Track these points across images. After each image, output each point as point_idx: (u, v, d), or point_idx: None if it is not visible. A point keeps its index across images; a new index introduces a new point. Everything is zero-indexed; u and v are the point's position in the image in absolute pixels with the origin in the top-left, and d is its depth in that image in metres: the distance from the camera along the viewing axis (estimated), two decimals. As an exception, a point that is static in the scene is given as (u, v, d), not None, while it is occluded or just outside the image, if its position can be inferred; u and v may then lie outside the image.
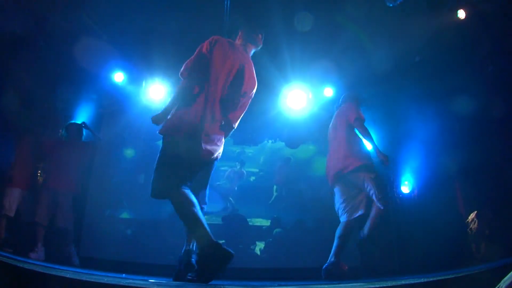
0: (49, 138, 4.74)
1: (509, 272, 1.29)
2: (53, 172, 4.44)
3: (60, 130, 4.83)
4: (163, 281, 2.62)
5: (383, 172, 5.68)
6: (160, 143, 2.54)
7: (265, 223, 6.19)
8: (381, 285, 2.09)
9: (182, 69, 2.54)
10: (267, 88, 5.54)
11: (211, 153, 2.45)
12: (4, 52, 4.26)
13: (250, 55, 2.83)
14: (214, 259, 2.12)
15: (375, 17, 4.56)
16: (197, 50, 2.56)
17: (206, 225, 2.22)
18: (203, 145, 2.37)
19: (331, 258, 3.41)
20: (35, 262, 2.44)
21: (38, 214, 4.20)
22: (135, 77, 5.57)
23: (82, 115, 5.29)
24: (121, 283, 1.77)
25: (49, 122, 5.12)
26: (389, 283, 2.09)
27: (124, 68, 5.48)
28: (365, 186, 3.50)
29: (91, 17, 4.63)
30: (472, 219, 4.26)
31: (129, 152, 5.76)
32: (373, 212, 3.52)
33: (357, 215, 3.55)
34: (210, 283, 2.11)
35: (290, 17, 4.64)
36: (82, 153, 4.70)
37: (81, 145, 4.73)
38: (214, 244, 2.15)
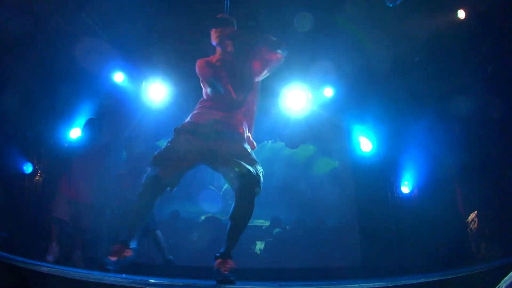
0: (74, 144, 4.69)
1: (509, 272, 1.29)
2: (74, 180, 4.29)
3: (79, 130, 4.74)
4: (163, 281, 2.63)
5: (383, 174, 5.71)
6: (160, 143, 2.58)
7: (265, 223, 6.20)
8: (381, 285, 2.09)
9: None
10: (267, 89, 5.54)
11: None
12: (4, 52, 4.25)
13: None
14: None
15: (375, 17, 4.55)
16: None
17: None
18: None
19: None
20: (35, 262, 2.44)
21: (59, 212, 4.11)
22: (135, 77, 5.57)
23: (82, 115, 5.30)
24: (121, 283, 1.77)
25: (50, 122, 5.12)
26: (389, 283, 2.09)
27: (124, 68, 5.48)
28: None
29: (91, 17, 4.63)
30: (472, 219, 4.26)
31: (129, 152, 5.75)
32: None
33: None
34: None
35: (290, 17, 4.64)
36: (103, 159, 4.60)
37: (102, 149, 4.62)
38: None
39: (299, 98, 5.58)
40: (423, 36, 4.62)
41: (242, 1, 4.35)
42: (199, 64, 2.87)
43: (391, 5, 4.08)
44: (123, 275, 2.42)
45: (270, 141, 6.67)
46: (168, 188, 2.58)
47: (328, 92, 5.83)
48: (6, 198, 4.33)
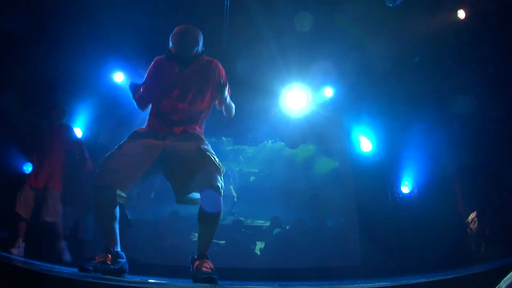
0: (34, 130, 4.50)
1: (509, 272, 1.29)
2: (36, 167, 4.22)
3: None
4: (163, 281, 2.63)
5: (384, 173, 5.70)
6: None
7: (265, 223, 6.19)
8: (381, 285, 2.08)
9: None
10: (267, 89, 5.55)
11: None
12: (5, 52, 4.25)
13: None
14: None
15: (375, 17, 4.56)
16: None
17: None
18: None
19: None
20: (35, 262, 2.44)
21: (18, 206, 4.03)
22: (135, 77, 5.57)
23: (82, 116, 5.31)
24: (121, 283, 1.77)
25: (49, 122, 5.12)
26: (389, 283, 2.09)
27: (124, 68, 5.48)
28: None
29: (91, 17, 4.63)
30: (472, 219, 4.26)
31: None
32: None
33: None
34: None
35: (290, 17, 4.65)
36: (65, 139, 4.38)
37: (63, 128, 4.46)
38: None
39: (299, 98, 5.59)
40: (423, 36, 4.63)
41: (242, 1, 4.36)
42: (155, 60, 2.78)
43: (391, 5, 4.08)
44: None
45: (270, 141, 6.68)
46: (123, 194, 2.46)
47: (328, 92, 5.83)
48: (6, 198, 4.33)
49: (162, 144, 2.45)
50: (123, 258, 2.38)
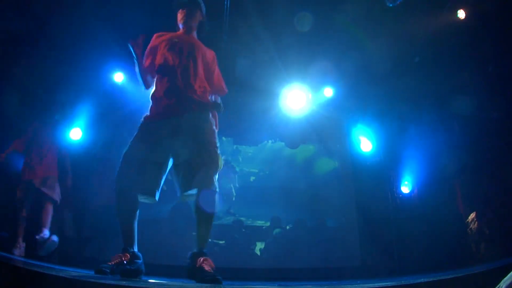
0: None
1: (509, 272, 1.29)
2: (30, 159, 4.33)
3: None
4: (163, 281, 2.62)
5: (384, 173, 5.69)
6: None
7: (265, 223, 6.19)
8: (381, 285, 2.09)
9: None
10: (267, 89, 5.55)
11: None
12: (5, 52, 4.25)
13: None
14: None
15: (375, 17, 4.56)
16: None
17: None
18: None
19: None
20: (35, 262, 2.44)
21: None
22: (135, 77, 5.56)
23: (82, 115, 5.31)
24: (121, 283, 1.77)
25: (48, 122, 5.12)
26: (389, 283, 2.09)
27: (124, 68, 5.48)
28: None
29: (91, 17, 4.63)
30: (472, 219, 4.26)
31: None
32: None
33: None
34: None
35: (290, 17, 4.65)
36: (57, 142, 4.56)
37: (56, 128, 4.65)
38: None
39: (299, 98, 5.59)
40: (423, 36, 4.63)
41: (242, 1, 4.36)
42: (154, 36, 2.81)
43: (391, 5, 4.08)
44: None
45: (270, 141, 6.67)
46: (148, 197, 2.51)
47: (328, 92, 5.83)
48: (6, 198, 4.33)
49: (168, 143, 2.47)
50: (139, 259, 2.38)
